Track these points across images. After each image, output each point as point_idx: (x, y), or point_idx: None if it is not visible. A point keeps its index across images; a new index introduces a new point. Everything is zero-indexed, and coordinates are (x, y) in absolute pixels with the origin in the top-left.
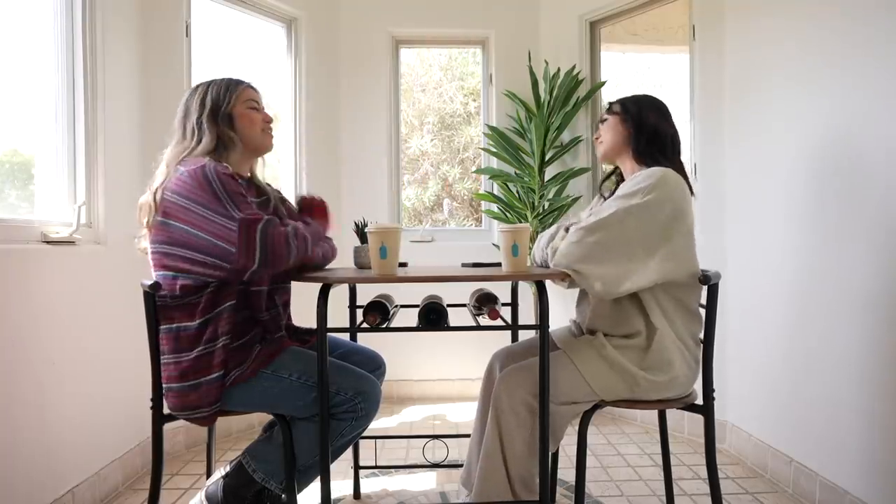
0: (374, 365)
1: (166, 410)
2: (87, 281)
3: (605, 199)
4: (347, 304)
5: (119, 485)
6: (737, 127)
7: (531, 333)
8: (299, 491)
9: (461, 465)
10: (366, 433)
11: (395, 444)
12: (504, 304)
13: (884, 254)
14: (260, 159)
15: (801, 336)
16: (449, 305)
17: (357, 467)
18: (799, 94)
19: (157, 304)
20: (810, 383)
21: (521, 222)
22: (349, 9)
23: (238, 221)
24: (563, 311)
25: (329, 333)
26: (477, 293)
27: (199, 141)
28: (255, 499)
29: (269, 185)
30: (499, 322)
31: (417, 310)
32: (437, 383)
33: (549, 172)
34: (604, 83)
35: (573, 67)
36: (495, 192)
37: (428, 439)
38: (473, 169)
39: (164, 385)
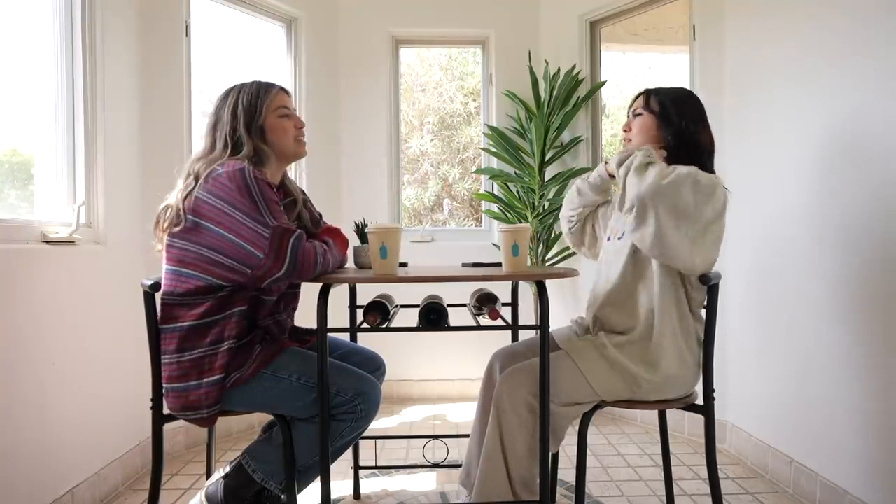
0: (374, 365)
1: (166, 411)
2: (86, 281)
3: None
4: (347, 304)
5: (119, 485)
6: (737, 126)
7: (531, 333)
8: (299, 491)
9: (461, 465)
10: (366, 433)
11: (395, 444)
12: (504, 304)
13: (884, 253)
14: None
15: (800, 336)
16: (449, 305)
17: (357, 467)
18: (799, 93)
19: (163, 303)
20: (810, 383)
21: (521, 222)
22: (349, 9)
23: (272, 229)
24: (564, 311)
25: (329, 334)
26: (477, 293)
27: (237, 151)
28: (255, 499)
29: (294, 183)
30: (499, 322)
31: (417, 310)
32: (437, 383)
33: (550, 172)
34: (604, 83)
35: (573, 67)
36: (495, 192)
37: (428, 439)
38: (473, 169)
39: (164, 385)
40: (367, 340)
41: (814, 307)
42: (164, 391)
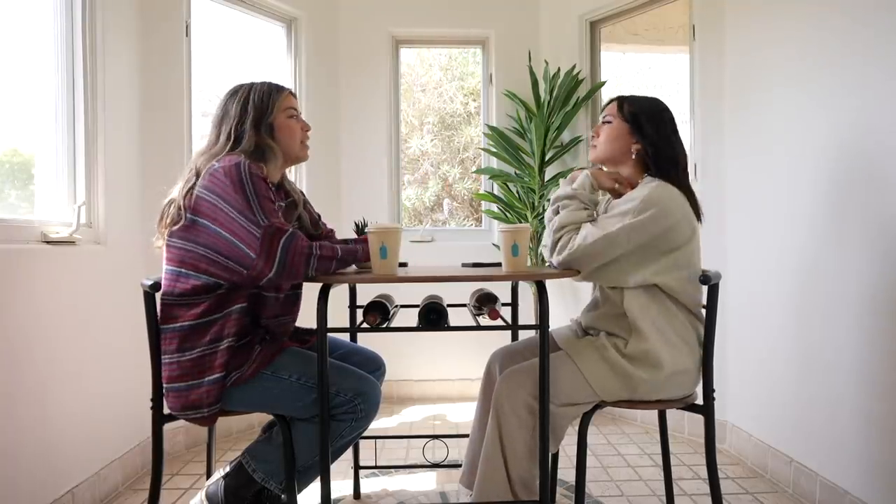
0: (374, 366)
1: (166, 410)
2: (87, 281)
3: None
4: (347, 304)
5: (119, 485)
6: (737, 127)
7: (531, 333)
8: (299, 491)
9: (461, 465)
10: (366, 433)
11: (395, 444)
12: (504, 304)
13: (883, 253)
14: None
15: (800, 336)
16: (449, 305)
17: (357, 467)
18: (799, 93)
19: (163, 303)
20: (810, 383)
21: (521, 222)
22: (349, 9)
23: (263, 228)
24: (563, 311)
25: (329, 334)
26: (477, 293)
27: (237, 145)
28: (255, 499)
29: (294, 185)
30: (499, 322)
31: (417, 310)
32: (437, 383)
33: (550, 172)
34: (604, 83)
35: (573, 67)
36: (495, 192)
37: (428, 439)
38: (473, 169)
39: (164, 385)
40: (367, 340)
41: (814, 307)
42: (164, 391)
